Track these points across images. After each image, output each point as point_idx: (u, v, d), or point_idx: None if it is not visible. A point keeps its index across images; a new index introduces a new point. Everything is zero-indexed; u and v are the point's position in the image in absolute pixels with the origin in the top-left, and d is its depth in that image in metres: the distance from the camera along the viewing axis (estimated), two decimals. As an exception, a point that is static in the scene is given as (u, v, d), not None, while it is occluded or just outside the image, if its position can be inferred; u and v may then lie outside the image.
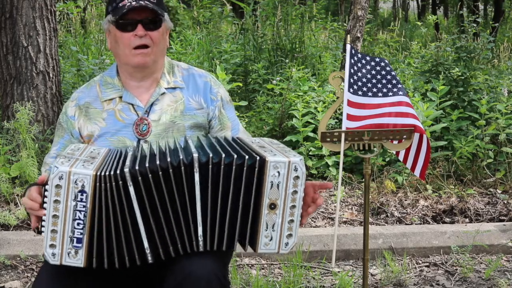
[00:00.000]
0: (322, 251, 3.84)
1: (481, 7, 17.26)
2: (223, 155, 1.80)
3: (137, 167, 1.77)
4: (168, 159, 1.80)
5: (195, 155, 1.79)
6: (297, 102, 5.31)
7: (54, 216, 1.76)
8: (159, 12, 2.16)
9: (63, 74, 5.97)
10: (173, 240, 1.82)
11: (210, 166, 1.79)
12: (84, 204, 1.76)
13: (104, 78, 2.28)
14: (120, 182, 1.76)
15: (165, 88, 2.24)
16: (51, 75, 5.03)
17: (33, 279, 3.51)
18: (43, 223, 1.80)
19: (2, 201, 4.40)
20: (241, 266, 3.68)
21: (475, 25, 6.38)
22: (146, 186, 1.78)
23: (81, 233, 1.77)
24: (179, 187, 1.80)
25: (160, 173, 1.78)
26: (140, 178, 1.77)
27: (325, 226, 4.25)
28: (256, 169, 1.80)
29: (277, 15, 7.17)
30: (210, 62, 6.91)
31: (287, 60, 6.55)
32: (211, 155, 1.80)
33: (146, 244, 1.80)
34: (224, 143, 1.94)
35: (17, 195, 4.37)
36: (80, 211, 1.76)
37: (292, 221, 1.84)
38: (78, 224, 1.76)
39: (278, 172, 1.80)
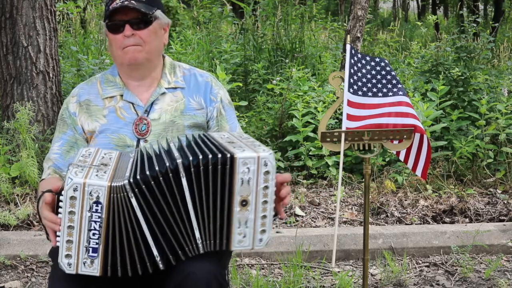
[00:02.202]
0: (322, 251, 3.84)
1: (481, 7, 17.26)
2: (200, 156, 1.78)
3: (131, 179, 1.77)
4: (156, 168, 1.79)
5: (179, 160, 1.78)
6: (297, 102, 5.31)
7: (69, 227, 1.75)
8: (144, 10, 2.14)
9: (63, 74, 5.97)
10: (180, 245, 1.83)
11: (192, 169, 1.78)
12: (99, 215, 1.75)
13: (105, 76, 2.29)
14: (125, 193, 1.77)
15: (166, 88, 2.24)
16: (51, 75, 5.03)
17: (33, 279, 3.51)
18: (58, 232, 1.80)
19: (2, 201, 4.40)
20: (241, 266, 3.68)
21: (475, 25, 6.38)
22: (143, 196, 1.78)
23: (97, 243, 1.76)
24: (171, 193, 1.80)
25: (152, 182, 1.78)
26: (136, 189, 1.77)
27: (325, 226, 4.25)
28: (227, 166, 1.78)
29: (277, 15, 7.17)
30: (210, 62, 6.91)
31: (287, 60, 6.55)
32: (191, 158, 1.78)
33: (155, 252, 1.80)
34: (199, 142, 1.92)
35: (17, 195, 4.37)
36: (95, 221, 1.75)
37: (265, 216, 1.81)
38: (93, 234, 1.76)
39: (248, 168, 1.77)
